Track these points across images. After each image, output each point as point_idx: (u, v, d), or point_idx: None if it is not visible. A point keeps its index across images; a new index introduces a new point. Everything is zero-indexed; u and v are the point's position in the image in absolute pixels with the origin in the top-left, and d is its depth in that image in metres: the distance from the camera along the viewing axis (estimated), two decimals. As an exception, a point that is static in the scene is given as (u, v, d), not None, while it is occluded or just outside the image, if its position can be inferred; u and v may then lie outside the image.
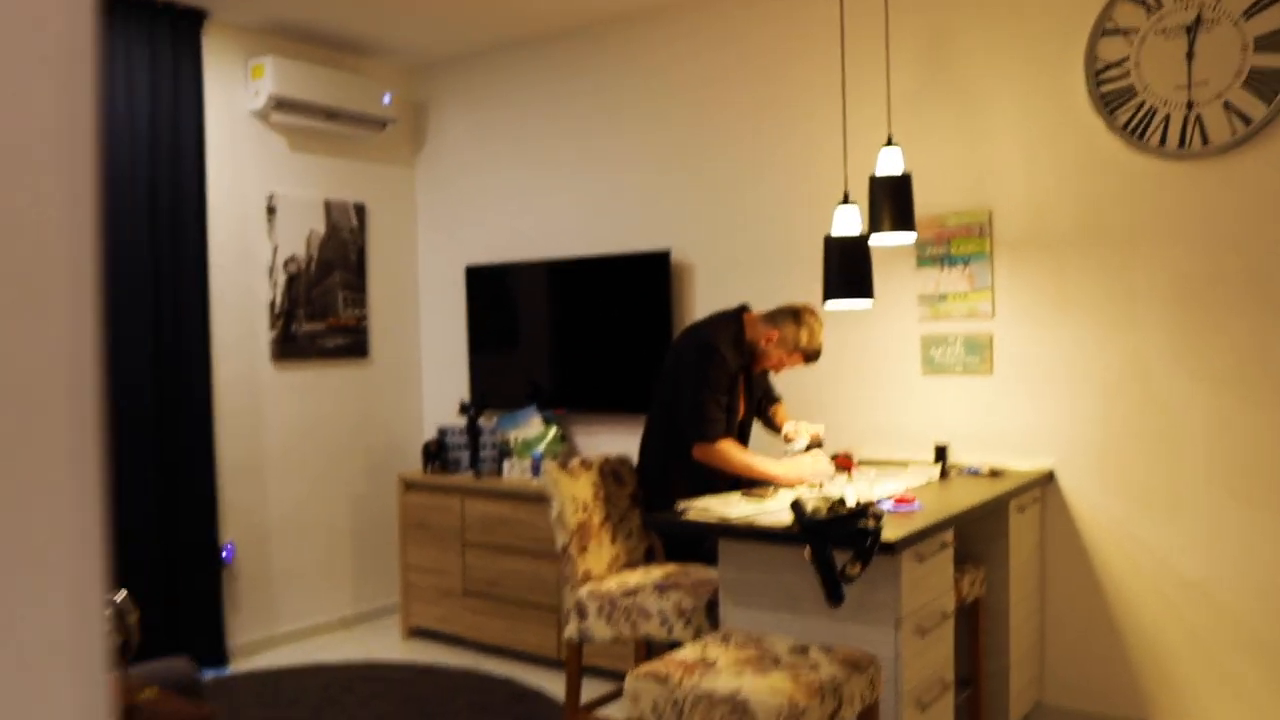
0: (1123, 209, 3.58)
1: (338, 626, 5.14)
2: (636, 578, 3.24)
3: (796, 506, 2.67)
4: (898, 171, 3.38)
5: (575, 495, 3.27)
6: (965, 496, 3.17)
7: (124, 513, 4.25)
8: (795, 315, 3.41)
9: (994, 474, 3.66)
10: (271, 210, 4.88)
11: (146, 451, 4.32)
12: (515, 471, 4.76)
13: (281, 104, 4.77)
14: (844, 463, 3.50)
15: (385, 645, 4.90)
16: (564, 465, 3.28)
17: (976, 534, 3.45)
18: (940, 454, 3.81)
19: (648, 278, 4.57)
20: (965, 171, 3.88)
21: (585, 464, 3.36)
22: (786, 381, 4.18)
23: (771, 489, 3.22)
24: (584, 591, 3.17)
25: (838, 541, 2.55)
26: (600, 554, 3.29)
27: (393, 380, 5.46)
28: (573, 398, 4.88)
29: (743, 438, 3.55)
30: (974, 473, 3.70)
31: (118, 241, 4.25)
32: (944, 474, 3.64)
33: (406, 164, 5.57)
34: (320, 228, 5.09)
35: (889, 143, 3.45)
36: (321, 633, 5.06)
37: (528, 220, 5.15)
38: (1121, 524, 3.60)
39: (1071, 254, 3.67)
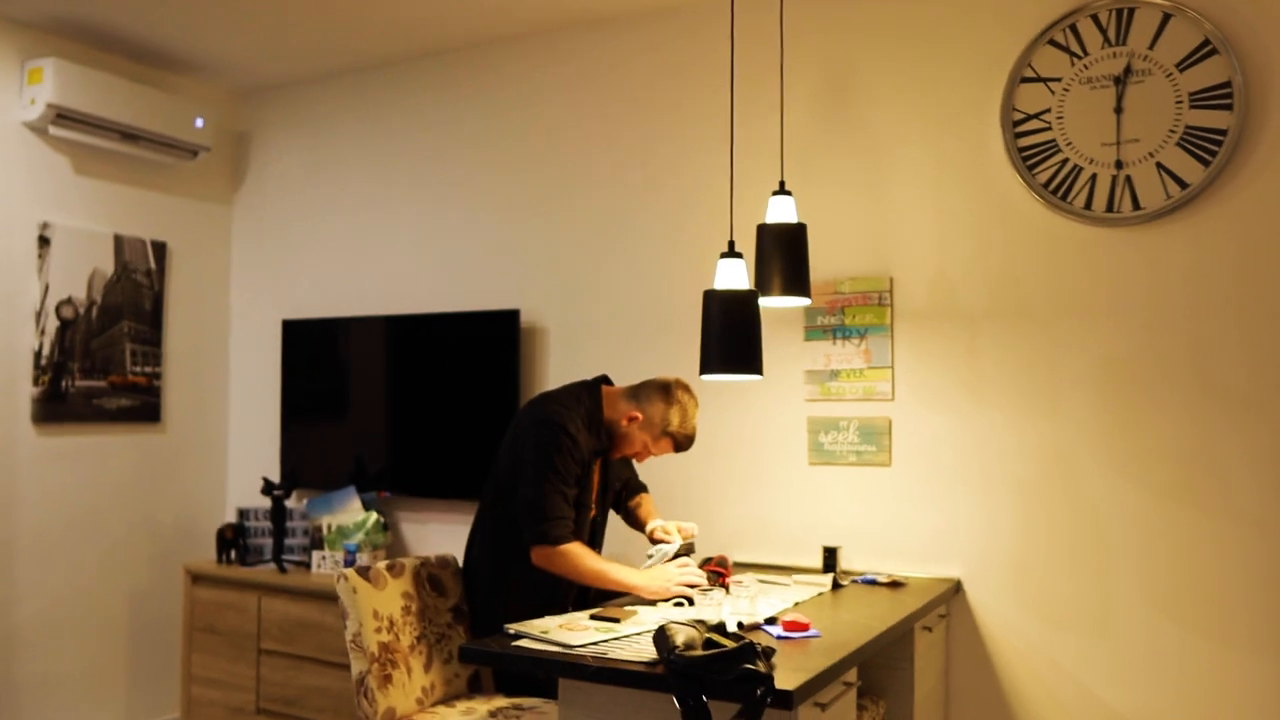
0: (1044, 279, 3.10)
1: (100, 751, 4.20)
2: (455, 717, 2.51)
3: (662, 638, 2.01)
4: (790, 219, 2.82)
5: (379, 609, 2.53)
6: (866, 615, 2.57)
7: None
8: (665, 391, 2.79)
9: (894, 584, 3.09)
10: (44, 241, 4.04)
11: None
12: (327, 565, 3.97)
13: (64, 116, 3.97)
14: (719, 571, 2.87)
15: (155, 778, 3.98)
16: (364, 571, 2.55)
17: (877, 661, 2.84)
18: (830, 559, 3.22)
19: (493, 341, 3.91)
20: (864, 230, 3.37)
21: (394, 568, 2.64)
22: (649, 466, 3.55)
23: (629, 607, 2.56)
24: (383, 738, 2.43)
25: (717, 690, 1.89)
26: (409, 686, 2.55)
27: (190, 451, 4.60)
28: (402, 478, 4.14)
29: (594, 538, 2.89)
30: (870, 582, 3.11)
31: None
32: (836, 584, 3.04)
33: (221, 200, 4.79)
34: (107, 267, 4.26)
35: (781, 189, 2.91)
36: (76, 761, 4.11)
37: (360, 271, 4.43)
38: (1040, 648, 3.06)
39: (985, 329, 3.18)
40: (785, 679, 1.93)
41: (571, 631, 2.27)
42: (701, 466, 3.59)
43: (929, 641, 2.97)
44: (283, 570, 4.03)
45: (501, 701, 2.62)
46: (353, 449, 4.26)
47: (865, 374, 3.35)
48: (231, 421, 4.77)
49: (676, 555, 2.80)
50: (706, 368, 2.55)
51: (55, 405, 4.08)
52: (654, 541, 2.87)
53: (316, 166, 4.58)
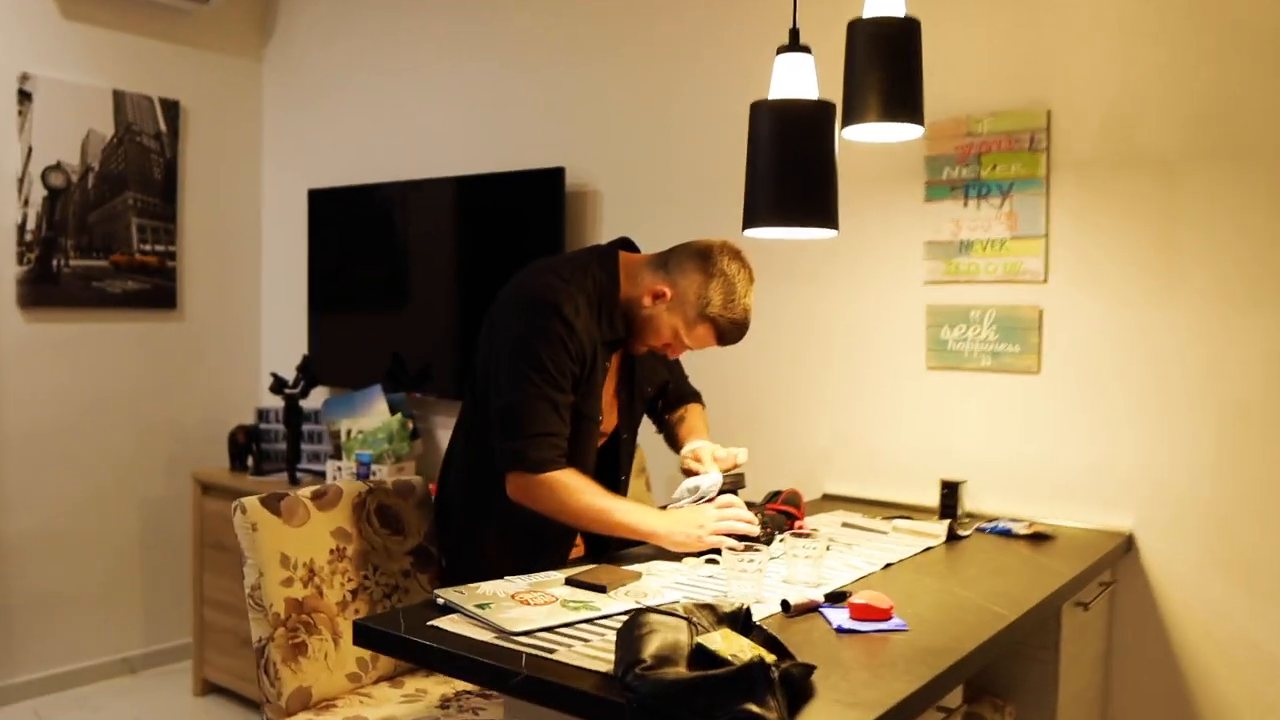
0: (1276, 108, 2.11)
1: (118, 671, 3.75)
2: (392, 705, 1.82)
3: (627, 640, 1.24)
4: (897, 11, 1.92)
5: (289, 553, 1.84)
6: (990, 588, 1.73)
7: None
8: (704, 258, 1.96)
9: (1036, 536, 2.22)
10: (24, 96, 3.46)
11: None
12: (343, 476, 3.34)
13: (39, -56, 3.35)
14: (788, 512, 2.07)
15: (168, 708, 3.50)
16: (273, 501, 1.85)
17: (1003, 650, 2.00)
18: (949, 498, 2.36)
19: (535, 205, 3.13)
20: (1010, 45, 2.42)
21: (323, 496, 1.93)
22: (701, 368, 2.74)
23: (633, 568, 1.79)
24: (290, 732, 1.76)
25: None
26: (335, 659, 1.86)
27: (214, 343, 4.03)
28: (439, 375, 3.46)
29: (613, 467, 2.12)
30: (1003, 532, 2.25)
31: None
32: (953, 534, 2.19)
33: (247, 54, 4.12)
34: (105, 128, 3.66)
35: (887, -30, 1.99)
36: (89, 680, 3.67)
37: (397, 131, 3.71)
38: (1243, 630, 2.15)
39: (1185, 182, 2.21)
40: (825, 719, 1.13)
41: (525, 607, 1.52)
42: (775, 370, 2.76)
43: (1083, 622, 2.10)
44: (294, 481, 3.43)
45: (463, 683, 1.90)
46: (390, 342, 3.59)
47: (1008, 246, 2.43)
48: (265, 309, 4.17)
49: (723, 491, 2.00)
50: (751, 218, 1.71)
51: (45, 288, 3.53)
52: (686, 474, 2.08)
53: (351, 15, 3.84)
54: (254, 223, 4.16)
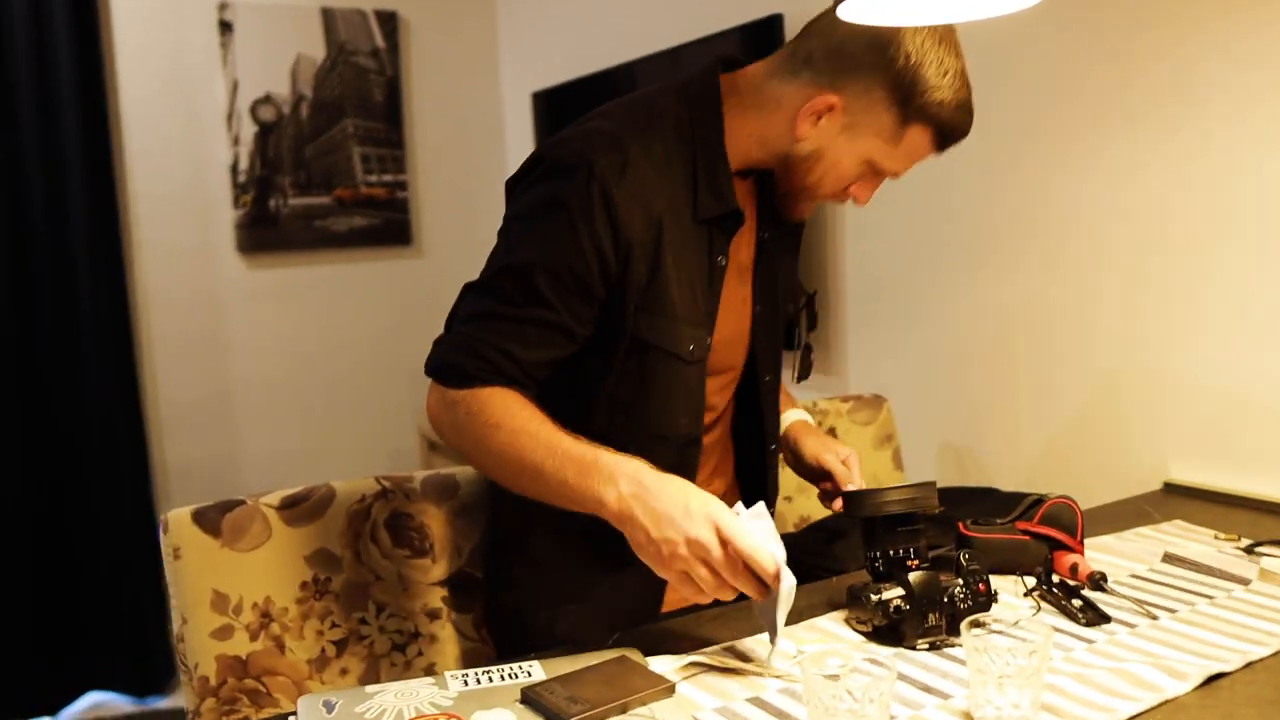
0: None
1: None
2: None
3: None
4: None
5: (232, 591, 1.26)
6: None
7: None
8: (877, 37, 1.13)
9: None
10: (225, 27, 3.18)
11: (36, 399, 2.86)
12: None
13: None
14: (1045, 537, 1.20)
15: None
16: (205, 515, 1.27)
17: None
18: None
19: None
20: None
21: (304, 501, 1.33)
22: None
23: (650, 679, 1.01)
24: None
25: None
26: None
27: (457, 279, 3.61)
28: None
29: (755, 423, 1.34)
30: None
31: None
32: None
33: (470, -54, 3.62)
34: (316, 51, 3.32)
35: None
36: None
37: (620, 7, 3.03)
38: None
39: None
40: None
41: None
42: (1094, 273, 1.76)
43: None
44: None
45: None
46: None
47: None
48: (513, 240, 3.70)
49: (905, 525, 1.13)
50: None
51: (264, 231, 3.28)
52: (818, 477, 1.25)
53: None
54: (496, 140, 3.68)
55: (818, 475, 1.37)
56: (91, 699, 3.00)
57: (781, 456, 1.42)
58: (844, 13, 0.95)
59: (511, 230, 1.21)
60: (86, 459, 2.96)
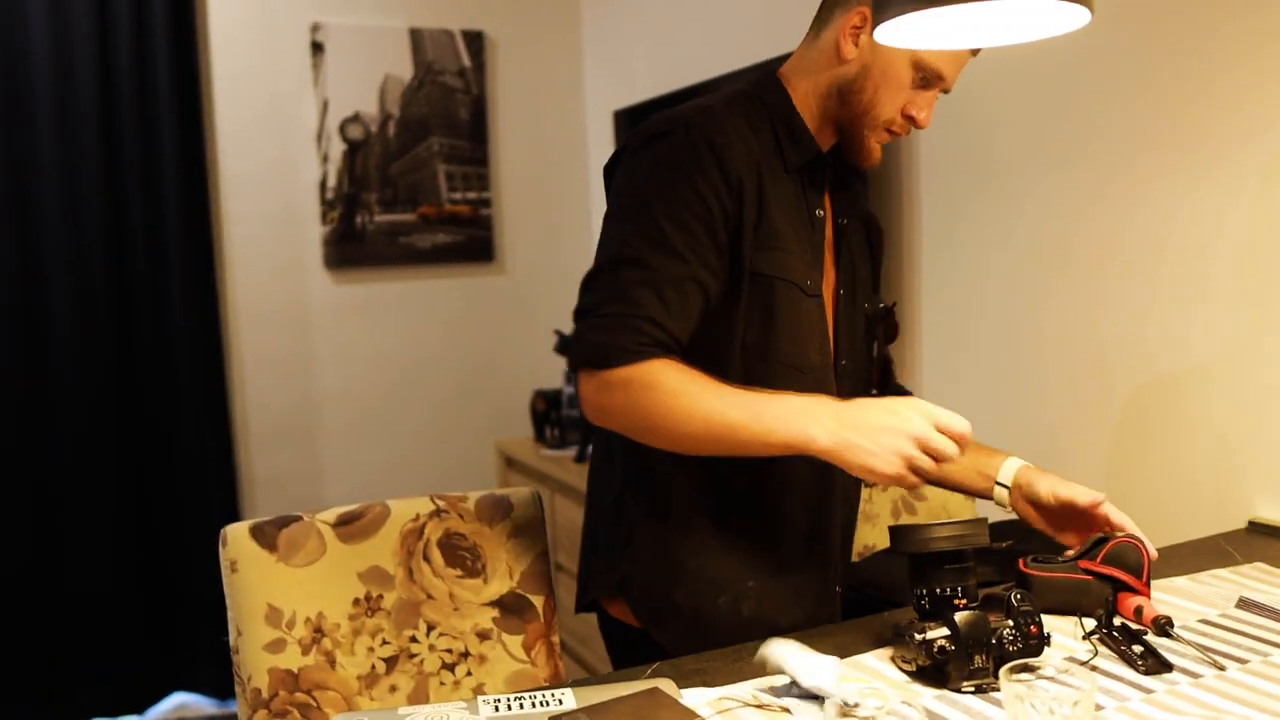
0: None
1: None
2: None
3: None
4: None
5: (285, 605, 1.29)
6: None
7: (85, 494, 2.96)
8: None
9: None
10: (317, 48, 3.28)
11: (133, 410, 2.99)
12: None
13: (314, -121, 3.12)
14: (1107, 577, 1.15)
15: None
16: (263, 531, 1.30)
17: None
18: None
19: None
20: None
21: (358, 520, 1.35)
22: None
23: (674, 709, 1.00)
24: None
25: None
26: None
27: (540, 296, 3.65)
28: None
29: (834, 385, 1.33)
30: None
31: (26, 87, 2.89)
32: None
33: (556, -33, 3.66)
34: (404, 71, 3.39)
35: None
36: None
37: (704, 22, 3.03)
38: None
39: None
40: None
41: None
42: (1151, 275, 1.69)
43: None
44: (581, 460, 2.93)
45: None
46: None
47: None
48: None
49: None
50: None
51: (350, 247, 3.36)
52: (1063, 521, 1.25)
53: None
54: (578, 158, 3.71)
55: (1061, 517, 1.28)
56: (177, 699, 3.10)
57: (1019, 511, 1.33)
58: (880, 36, 0.93)
59: (623, 203, 1.22)
60: (179, 469, 3.07)
